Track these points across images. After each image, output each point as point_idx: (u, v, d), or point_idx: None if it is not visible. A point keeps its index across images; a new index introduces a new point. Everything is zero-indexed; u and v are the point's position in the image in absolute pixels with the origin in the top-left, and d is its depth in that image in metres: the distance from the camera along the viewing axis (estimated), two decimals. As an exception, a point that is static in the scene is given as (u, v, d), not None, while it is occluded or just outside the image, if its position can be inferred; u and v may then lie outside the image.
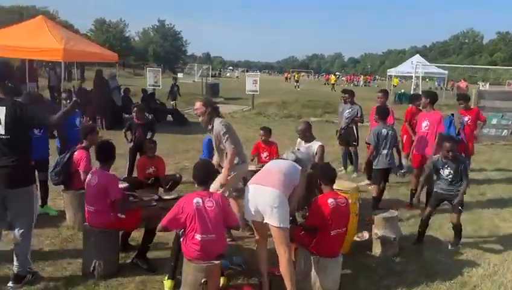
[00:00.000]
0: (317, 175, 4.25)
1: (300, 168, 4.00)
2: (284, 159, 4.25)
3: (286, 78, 59.46)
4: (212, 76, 42.18)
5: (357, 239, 4.96)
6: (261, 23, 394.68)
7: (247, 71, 64.90)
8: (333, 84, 42.73)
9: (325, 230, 3.90)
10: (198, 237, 3.53)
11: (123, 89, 14.35)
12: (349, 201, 4.25)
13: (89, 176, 4.08)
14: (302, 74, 70.65)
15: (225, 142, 4.74)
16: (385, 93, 8.07)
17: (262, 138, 6.87)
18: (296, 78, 46.50)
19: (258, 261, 3.93)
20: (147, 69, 20.92)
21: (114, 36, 53.99)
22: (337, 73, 74.41)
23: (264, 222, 3.69)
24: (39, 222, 4.21)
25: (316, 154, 5.97)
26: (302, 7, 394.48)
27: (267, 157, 6.64)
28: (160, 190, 6.14)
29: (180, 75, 42.72)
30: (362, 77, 64.14)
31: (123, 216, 3.98)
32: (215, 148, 5.04)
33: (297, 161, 4.13)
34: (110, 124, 12.33)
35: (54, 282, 3.86)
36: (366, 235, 4.95)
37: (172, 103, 17.90)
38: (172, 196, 5.96)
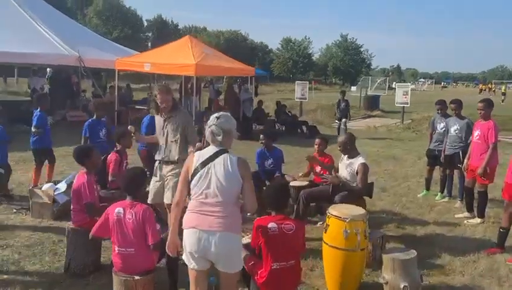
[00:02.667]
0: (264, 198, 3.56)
1: (235, 159, 2.92)
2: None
3: (480, 90, 52.19)
4: (389, 88, 40.16)
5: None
6: (462, 31, 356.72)
7: (437, 82, 59.45)
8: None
9: (265, 262, 3.32)
10: (116, 249, 3.45)
11: (257, 101, 15.00)
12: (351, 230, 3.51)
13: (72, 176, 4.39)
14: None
15: (192, 133, 4.98)
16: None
17: (318, 148, 6.26)
18: (502, 91, 40.37)
19: None
20: (296, 82, 21.29)
21: (297, 53, 56.64)
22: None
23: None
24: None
25: (357, 173, 5.16)
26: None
27: (321, 172, 6.02)
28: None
29: (353, 88, 42.06)
30: None
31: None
32: (162, 139, 4.89)
33: (222, 134, 2.96)
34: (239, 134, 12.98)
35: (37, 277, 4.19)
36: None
37: (343, 120, 14.47)
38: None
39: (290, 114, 15.35)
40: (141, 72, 15.04)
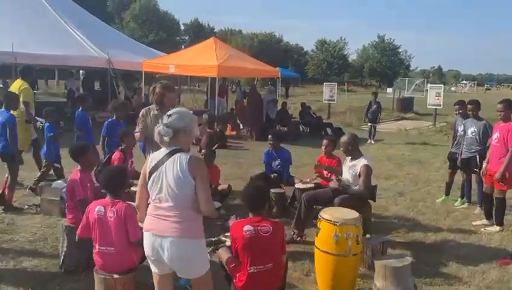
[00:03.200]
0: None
1: (186, 158, 2.69)
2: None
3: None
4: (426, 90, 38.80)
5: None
6: (509, 31, 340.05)
7: (480, 84, 57.07)
8: None
9: (243, 265, 3.22)
10: (97, 247, 3.45)
11: (282, 102, 14.88)
12: (341, 234, 3.38)
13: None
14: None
15: None
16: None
17: (325, 149, 6.08)
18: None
19: None
20: (324, 84, 20.99)
21: (332, 54, 55.94)
22: None
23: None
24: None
25: (360, 176, 4.97)
26: None
27: (328, 175, 5.85)
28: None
29: (389, 90, 40.99)
30: None
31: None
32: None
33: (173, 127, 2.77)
34: (260, 135, 12.93)
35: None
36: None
37: (369, 125, 13.77)
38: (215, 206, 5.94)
39: (314, 116, 15.12)
40: (174, 75, 15.25)
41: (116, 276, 3.39)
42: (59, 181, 6.07)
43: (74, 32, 14.86)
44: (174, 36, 43.18)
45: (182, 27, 61.39)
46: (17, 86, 7.34)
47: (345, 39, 59.36)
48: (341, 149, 5.29)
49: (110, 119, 6.54)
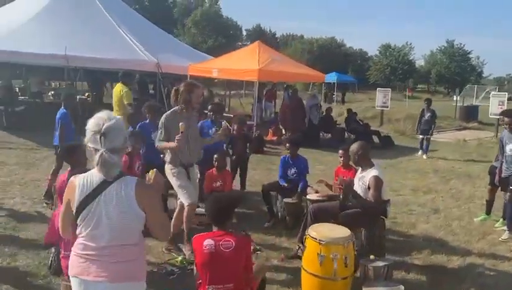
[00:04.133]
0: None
1: (132, 184, 2.20)
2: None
3: None
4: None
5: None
6: None
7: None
8: None
9: (203, 283, 2.95)
10: (62, 252, 3.36)
11: (326, 108, 14.35)
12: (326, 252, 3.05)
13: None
14: None
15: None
16: None
17: (342, 159, 5.65)
18: None
19: None
20: (377, 89, 20.03)
21: (397, 59, 53.70)
22: None
23: None
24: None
25: (369, 188, 4.51)
26: None
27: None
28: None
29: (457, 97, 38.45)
30: None
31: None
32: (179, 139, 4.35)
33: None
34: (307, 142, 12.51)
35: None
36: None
37: (420, 137, 12.08)
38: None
39: (361, 122, 14.42)
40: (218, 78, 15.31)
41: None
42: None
43: (126, 35, 15.36)
44: (234, 41, 43.80)
45: (244, 32, 62.25)
46: (118, 89, 8.61)
47: (411, 44, 56.93)
48: (350, 159, 4.85)
49: (142, 122, 6.48)
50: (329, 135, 13.89)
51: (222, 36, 34.15)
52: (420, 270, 4.64)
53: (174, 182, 4.61)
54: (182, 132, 4.29)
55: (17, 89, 18.77)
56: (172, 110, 4.65)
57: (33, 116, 12.54)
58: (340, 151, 5.69)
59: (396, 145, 13.61)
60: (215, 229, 3.05)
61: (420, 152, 12.01)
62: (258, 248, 5.06)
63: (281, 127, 13.99)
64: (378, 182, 4.47)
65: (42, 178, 7.22)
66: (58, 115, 6.50)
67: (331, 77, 32.65)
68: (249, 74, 12.21)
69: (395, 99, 36.14)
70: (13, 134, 11.55)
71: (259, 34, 62.20)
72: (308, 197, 5.51)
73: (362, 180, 4.63)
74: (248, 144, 7.10)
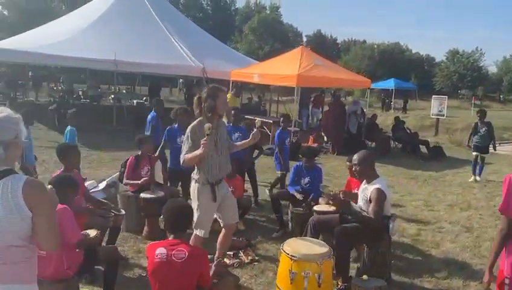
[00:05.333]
0: None
1: (20, 183, 2.01)
2: None
3: None
4: None
5: None
6: None
7: None
8: None
9: (153, 293, 2.82)
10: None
11: (371, 115, 13.75)
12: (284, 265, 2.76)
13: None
14: None
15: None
16: None
17: (350, 172, 5.31)
18: None
19: None
20: (432, 97, 18.87)
21: (465, 66, 50.59)
22: None
23: None
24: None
25: (371, 201, 4.16)
26: None
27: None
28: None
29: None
30: None
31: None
32: (213, 151, 4.01)
33: None
34: (341, 149, 12.11)
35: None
36: None
37: (475, 154, 9.79)
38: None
39: (409, 131, 13.64)
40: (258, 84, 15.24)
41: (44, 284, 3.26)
42: (90, 181, 6.32)
43: (176, 42, 15.79)
44: (292, 47, 43.58)
45: (305, 38, 61.94)
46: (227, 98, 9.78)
47: (481, 50, 53.42)
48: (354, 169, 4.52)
49: (170, 126, 6.55)
50: (374, 143, 13.28)
51: (279, 42, 34.09)
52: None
53: (194, 204, 4.00)
54: (207, 135, 3.78)
55: (80, 92, 20.04)
56: (198, 120, 4.05)
57: (83, 118, 13.20)
58: (348, 164, 5.34)
59: (448, 157, 12.70)
60: (170, 237, 2.92)
61: (472, 178, 9.68)
62: (256, 258, 4.87)
63: (323, 134, 13.64)
64: (380, 195, 4.11)
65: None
66: (148, 117, 7.30)
67: (389, 83, 31.47)
68: (288, 79, 11.99)
69: (462, 108, 34.10)
70: (62, 134, 12.21)
71: (319, 40, 61.66)
72: (314, 208, 5.22)
73: (364, 192, 4.29)
74: (256, 150, 6.99)
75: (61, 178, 3.57)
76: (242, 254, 4.91)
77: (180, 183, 6.25)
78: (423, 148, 13.02)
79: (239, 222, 5.71)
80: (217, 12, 54.30)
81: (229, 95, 11.00)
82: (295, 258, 3.15)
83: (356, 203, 4.44)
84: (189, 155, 3.88)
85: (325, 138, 13.40)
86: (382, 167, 10.85)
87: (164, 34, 16.06)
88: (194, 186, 4.06)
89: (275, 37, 38.58)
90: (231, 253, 4.87)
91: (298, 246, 3.31)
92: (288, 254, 3.20)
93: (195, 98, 4.17)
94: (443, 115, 17.17)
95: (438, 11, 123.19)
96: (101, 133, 12.10)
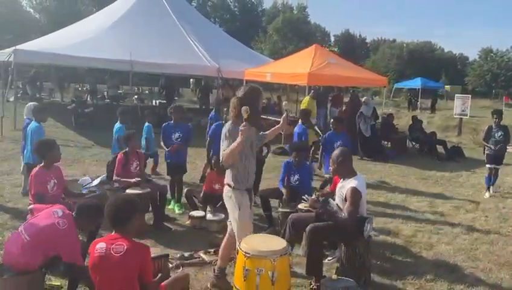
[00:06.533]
0: None
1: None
2: None
3: None
4: None
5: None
6: None
7: None
8: None
9: (95, 288, 2.80)
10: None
11: (387, 114, 13.39)
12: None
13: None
14: None
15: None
16: None
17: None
18: None
19: None
20: (455, 96, 18.18)
21: (499, 65, 48.72)
22: None
23: None
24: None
25: (346, 200, 4.03)
26: None
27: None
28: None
29: None
30: None
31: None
32: (249, 156, 3.80)
33: None
34: (355, 150, 11.80)
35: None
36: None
37: (488, 167, 8.18)
38: (216, 218, 5.58)
39: (427, 131, 13.20)
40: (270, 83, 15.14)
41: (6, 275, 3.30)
42: (85, 177, 6.42)
43: (192, 41, 15.89)
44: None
45: (332, 38, 61.28)
46: (305, 100, 11.36)
47: (516, 48, 51.34)
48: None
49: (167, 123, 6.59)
50: (389, 143, 12.93)
51: (304, 42, 33.77)
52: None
53: (235, 213, 3.76)
54: (245, 119, 3.50)
55: (105, 92, 20.50)
56: (232, 121, 3.80)
57: (99, 117, 13.51)
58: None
59: (467, 158, 12.20)
60: (113, 232, 2.89)
61: (487, 194, 8.07)
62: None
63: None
64: (355, 194, 3.97)
65: (74, 174, 7.60)
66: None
67: (415, 82, 30.61)
68: (298, 77, 11.84)
69: (493, 108, 32.72)
70: (78, 133, 12.54)
71: (347, 39, 60.88)
72: (299, 206, 5.11)
73: (341, 190, 4.16)
74: (264, 148, 6.89)
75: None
76: (223, 252, 4.84)
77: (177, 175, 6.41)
78: (441, 149, 12.57)
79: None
80: (244, 14, 54.45)
81: (307, 98, 11.47)
82: (248, 255, 3.07)
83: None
84: (227, 151, 3.63)
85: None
86: (394, 167, 10.59)
87: (181, 34, 16.20)
88: (233, 194, 3.75)
89: (300, 37, 38.25)
90: (212, 250, 4.83)
91: (254, 242, 3.22)
92: (242, 251, 3.12)
93: (235, 99, 3.81)
94: (466, 115, 16.53)
95: (471, 8, 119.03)
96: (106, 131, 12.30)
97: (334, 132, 7.43)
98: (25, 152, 6.22)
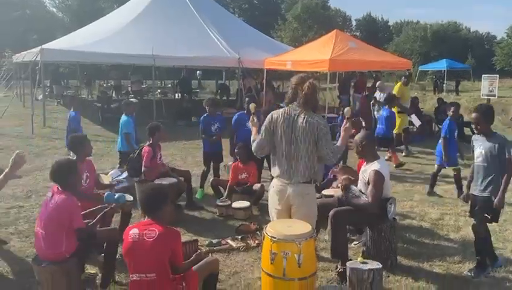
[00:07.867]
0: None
1: None
2: None
3: None
4: None
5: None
6: None
7: None
8: None
9: (130, 272, 2.95)
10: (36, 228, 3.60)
11: (412, 97, 13.18)
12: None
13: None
14: None
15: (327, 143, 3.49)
16: None
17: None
18: None
19: None
20: (482, 76, 17.70)
21: (529, 42, 47.05)
22: None
23: None
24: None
25: (368, 183, 4.06)
26: None
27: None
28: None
29: None
30: None
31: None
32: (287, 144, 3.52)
33: None
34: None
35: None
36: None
37: None
38: (242, 205, 5.68)
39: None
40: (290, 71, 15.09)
41: (44, 265, 3.47)
42: (114, 170, 6.61)
43: (211, 33, 15.96)
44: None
45: (354, 23, 60.31)
46: (396, 87, 11.08)
47: (550, 23, 49.38)
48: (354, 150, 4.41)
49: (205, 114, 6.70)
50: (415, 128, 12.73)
51: (324, 28, 33.38)
52: (434, 278, 4.04)
53: (315, 208, 3.70)
54: (253, 114, 3.89)
55: (129, 88, 20.87)
56: (286, 108, 3.64)
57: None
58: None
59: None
60: (146, 219, 3.03)
61: None
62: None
63: (361, 119, 13.26)
64: (378, 177, 3.99)
65: (104, 168, 7.81)
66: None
67: (441, 64, 29.93)
68: (319, 64, 11.74)
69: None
70: (105, 128, 12.86)
71: (370, 23, 59.80)
72: (323, 192, 5.15)
73: (363, 174, 4.20)
74: None
75: (59, 163, 3.76)
76: (250, 238, 4.96)
77: (212, 163, 6.66)
78: (468, 131, 12.32)
79: (254, 207, 5.82)
80: (263, 2, 54.12)
81: (398, 84, 11.25)
82: (275, 239, 3.15)
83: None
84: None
85: (363, 124, 13.00)
86: (420, 151, 10.46)
87: (200, 25, 16.27)
88: (312, 191, 3.65)
89: (320, 23, 37.76)
90: (239, 237, 4.95)
91: (280, 227, 3.30)
92: (269, 236, 3.21)
93: (293, 87, 3.60)
94: (494, 95, 16.12)
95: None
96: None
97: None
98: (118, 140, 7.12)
